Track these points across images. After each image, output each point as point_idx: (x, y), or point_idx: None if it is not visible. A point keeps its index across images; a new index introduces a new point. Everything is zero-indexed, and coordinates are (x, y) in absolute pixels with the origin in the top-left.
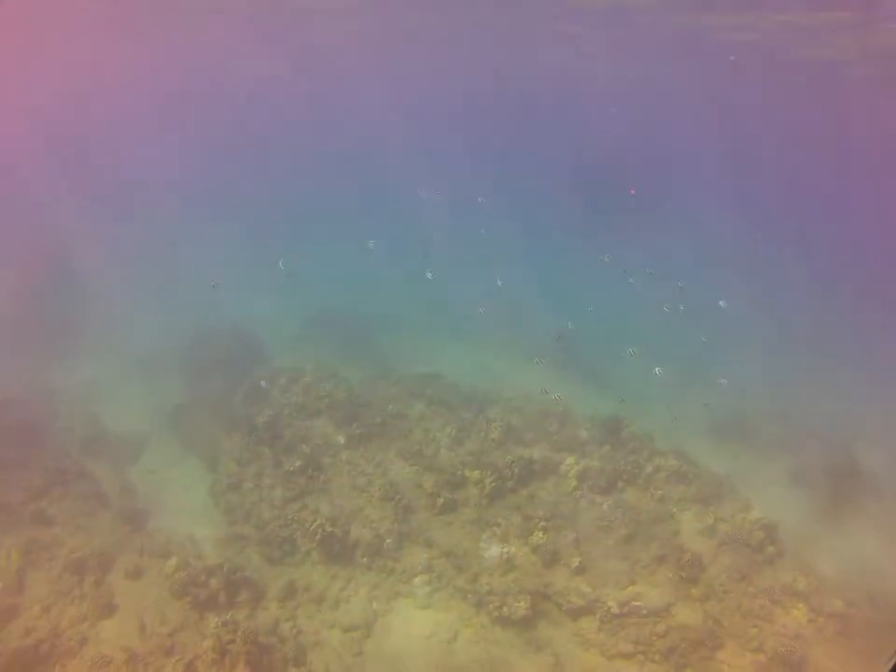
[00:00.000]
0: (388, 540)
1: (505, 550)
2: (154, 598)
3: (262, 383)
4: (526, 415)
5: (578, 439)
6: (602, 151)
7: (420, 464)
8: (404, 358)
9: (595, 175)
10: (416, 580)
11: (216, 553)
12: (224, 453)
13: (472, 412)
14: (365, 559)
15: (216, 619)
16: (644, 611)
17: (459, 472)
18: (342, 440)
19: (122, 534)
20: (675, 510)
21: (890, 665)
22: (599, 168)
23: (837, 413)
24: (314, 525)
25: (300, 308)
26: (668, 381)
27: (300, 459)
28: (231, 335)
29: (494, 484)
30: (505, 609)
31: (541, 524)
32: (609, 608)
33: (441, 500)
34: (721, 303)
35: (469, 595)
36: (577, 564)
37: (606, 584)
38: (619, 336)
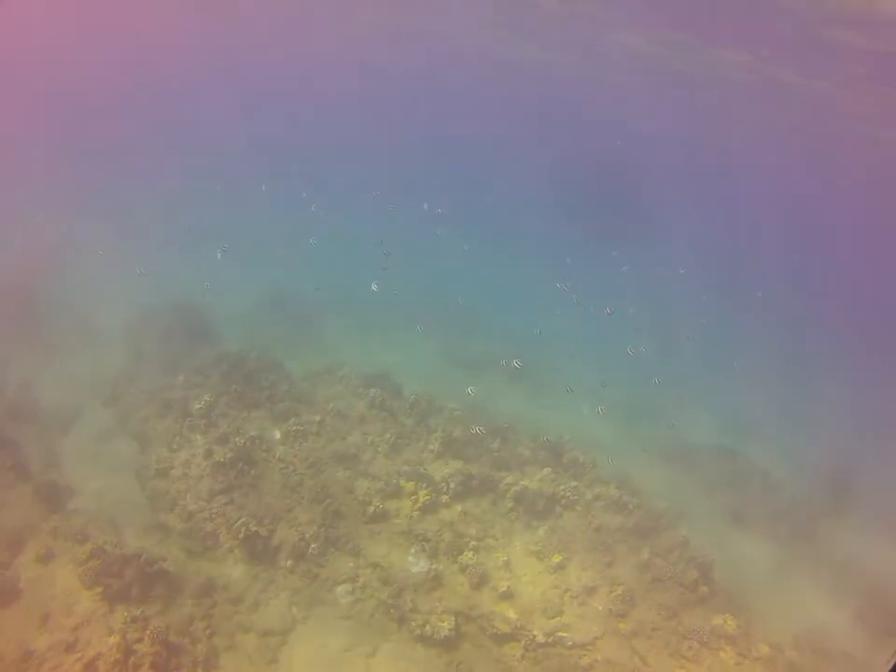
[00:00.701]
0: (314, 545)
1: (433, 567)
2: (63, 586)
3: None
4: (469, 428)
5: (519, 458)
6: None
7: (355, 469)
8: (353, 351)
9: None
10: (339, 588)
11: (135, 541)
12: (156, 436)
13: (414, 418)
14: (289, 562)
15: (125, 613)
16: (570, 643)
17: (394, 481)
18: (277, 435)
19: (39, 512)
20: (611, 541)
21: (890, 666)
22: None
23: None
24: (238, 522)
25: (254, 286)
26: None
27: (231, 451)
28: (180, 313)
29: (428, 498)
30: (428, 627)
31: (472, 543)
32: (535, 636)
33: (373, 509)
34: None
35: (393, 610)
36: (505, 588)
37: (533, 612)
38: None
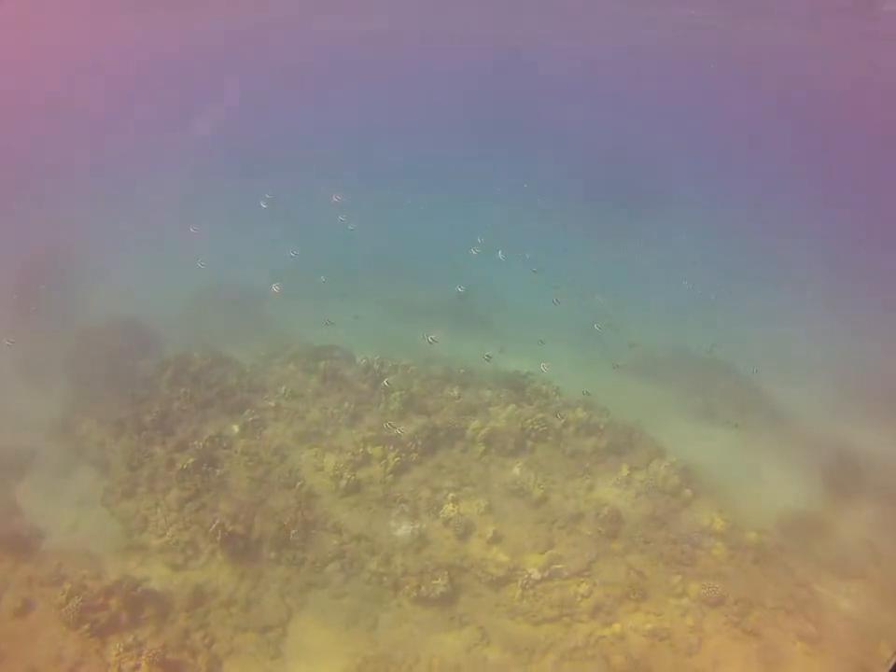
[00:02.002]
0: (294, 531)
1: (416, 527)
2: (47, 635)
3: None
4: (426, 381)
5: (482, 400)
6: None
7: (320, 445)
8: (299, 329)
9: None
10: (328, 568)
11: (115, 568)
12: (115, 458)
13: (370, 383)
14: (272, 553)
15: (118, 644)
16: (566, 573)
17: (361, 450)
18: (236, 429)
19: (8, 565)
20: (588, 464)
21: (891, 666)
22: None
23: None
24: (214, 525)
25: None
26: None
27: (192, 456)
28: (115, 329)
29: (398, 459)
30: (423, 588)
31: (451, 495)
32: (530, 574)
33: (345, 482)
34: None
35: (385, 578)
36: (492, 533)
37: (524, 551)
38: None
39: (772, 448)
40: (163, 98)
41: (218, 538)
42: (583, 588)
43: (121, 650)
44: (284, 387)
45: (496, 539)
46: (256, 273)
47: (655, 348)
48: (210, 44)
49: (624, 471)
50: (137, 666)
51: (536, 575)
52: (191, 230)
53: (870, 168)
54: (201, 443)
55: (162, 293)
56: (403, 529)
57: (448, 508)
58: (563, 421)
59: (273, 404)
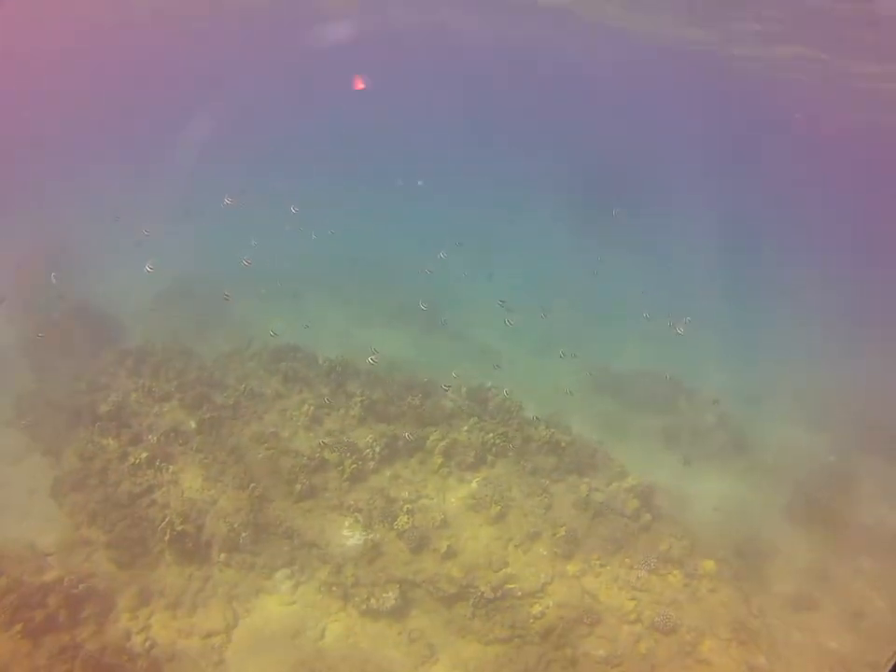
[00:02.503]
0: (244, 534)
1: (369, 537)
2: None
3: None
4: (389, 387)
5: (443, 411)
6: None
7: (277, 447)
8: (265, 326)
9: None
10: (278, 574)
11: (59, 563)
12: (68, 447)
13: (331, 386)
14: (222, 556)
15: (54, 645)
16: (519, 593)
17: (318, 455)
18: (193, 425)
19: None
20: (547, 482)
21: (891, 666)
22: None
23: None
24: (163, 523)
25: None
26: None
27: (146, 450)
28: (79, 315)
29: (355, 466)
30: (373, 600)
31: (406, 506)
32: (483, 592)
33: (300, 486)
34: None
35: (335, 588)
36: (446, 548)
37: (478, 567)
38: None
39: (734, 475)
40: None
41: (167, 536)
42: (536, 609)
43: (56, 651)
44: (244, 385)
45: (450, 555)
46: (227, 270)
47: (622, 369)
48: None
49: (584, 492)
50: (70, 670)
51: (489, 593)
52: (226, 200)
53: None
54: (155, 438)
55: (136, 285)
56: (356, 539)
57: (403, 519)
58: (525, 436)
59: (231, 402)
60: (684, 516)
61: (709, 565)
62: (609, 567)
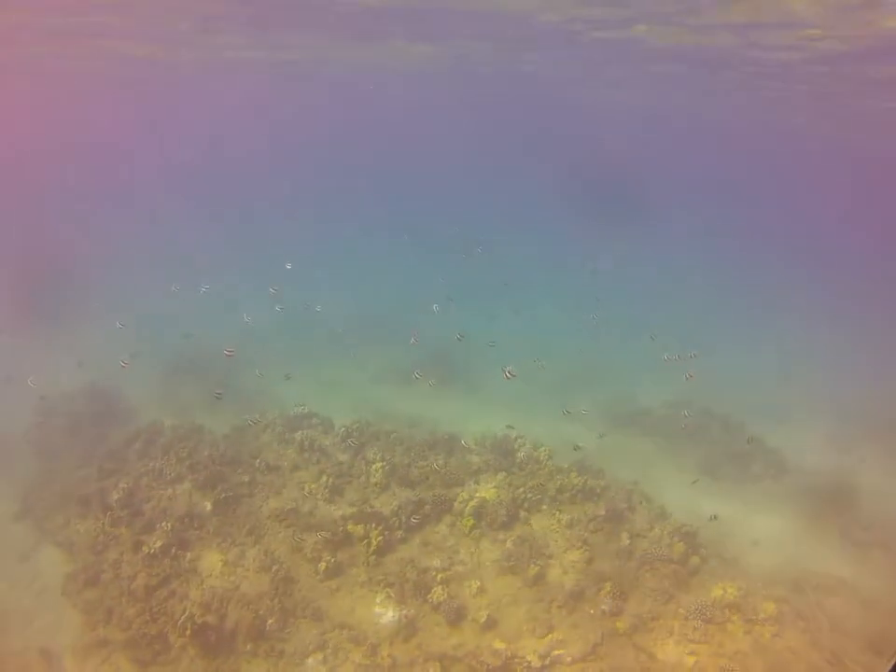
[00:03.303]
0: (271, 620)
1: (404, 612)
2: None
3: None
4: (410, 448)
5: (469, 467)
6: None
7: (297, 524)
8: (275, 397)
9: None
10: (310, 660)
11: (75, 668)
12: (79, 539)
13: (350, 453)
14: (248, 646)
15: None
16: (569, 659)
17: (341, 528)
18: (208, 506)
19: None
20: (586, 534)
21: (891, 665)
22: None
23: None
24: (184, 616)
25: (163, 355)
26: None
27: (160, 538)
28: (84, 398)
29: (381, 538)
30: None
31: (439, 576)
32: (530, 662)
33: (324, 564)
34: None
35: (372, 670)
36: (486, 617)
37: (521, 636)
38: None
39: (777, 503)
40: None
41: (189, 629)
42: None
43: None
44: (259, 459)
45: (490, 624)
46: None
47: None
48: None
49: (625, 540)
50: None
51: (536, 663)
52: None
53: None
54: (169, 524)
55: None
56: (390, 615)
57: (437, 591)
58: (557, 486)
59: (246, 479)
60: (730, 551)
61: (769, 607)
62: (661, 621)
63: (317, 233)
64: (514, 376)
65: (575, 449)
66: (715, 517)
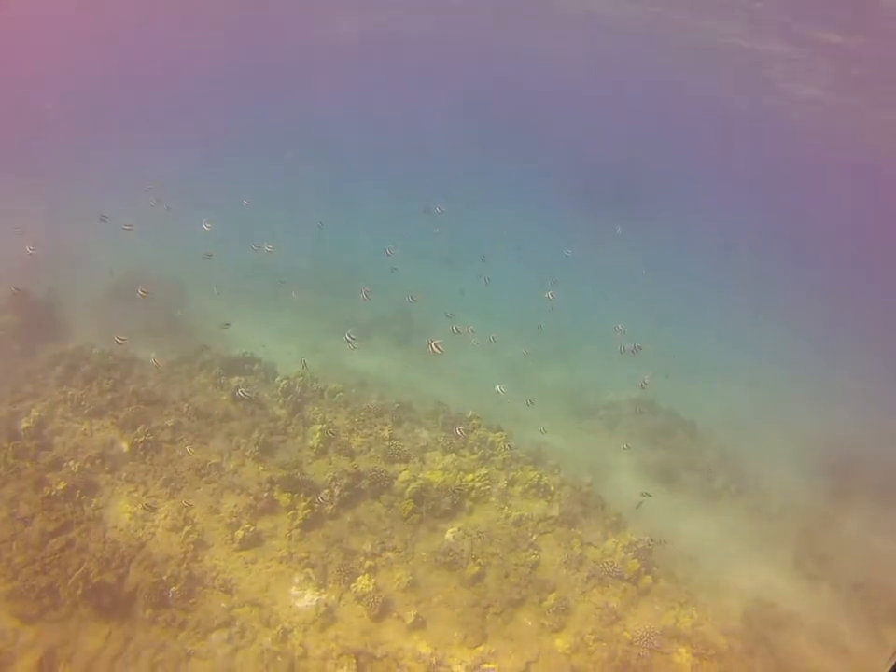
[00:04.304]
0: (174, 588)
1: (323, 598)
2: None
3: None
4: (355, 412)
5: (417, 443)
6: None
7: (219, 481)
8: (218, 332)
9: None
10: (213, 636)
11: None
12: None
13: (288, 408)
14: (148, 612)
15: None
16: None
17: (266, 494)
18: (125, 448)
19: None
20: (534, 535)
21: (891, 665)
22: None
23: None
24: (80, 570)
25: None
26: None
27: (65, 479)
28: (23, 308)
29: (309, 511)
30: None
31: (368, 563)
32: None
33: (243, 532)
34: None
35: (280, 658)
36: (414, 616)
37: (451, 642)
38: None
39: (737, 518)
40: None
41: (84, 585)
42: None
43: None
44: (189, 402)
45: (417, 625)
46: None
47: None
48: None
49: (576, 549)
50: None
51: None
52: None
53: None
54: (77, 464)
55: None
56: (307, 599)
57: (363, 580)
58: (509, 478)
59: (170, 423)
60: (689, 575)
61: (721, 641)
62: (604, 644)
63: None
64: (441, 352)
65: (542, 432)
66: (647, 495)
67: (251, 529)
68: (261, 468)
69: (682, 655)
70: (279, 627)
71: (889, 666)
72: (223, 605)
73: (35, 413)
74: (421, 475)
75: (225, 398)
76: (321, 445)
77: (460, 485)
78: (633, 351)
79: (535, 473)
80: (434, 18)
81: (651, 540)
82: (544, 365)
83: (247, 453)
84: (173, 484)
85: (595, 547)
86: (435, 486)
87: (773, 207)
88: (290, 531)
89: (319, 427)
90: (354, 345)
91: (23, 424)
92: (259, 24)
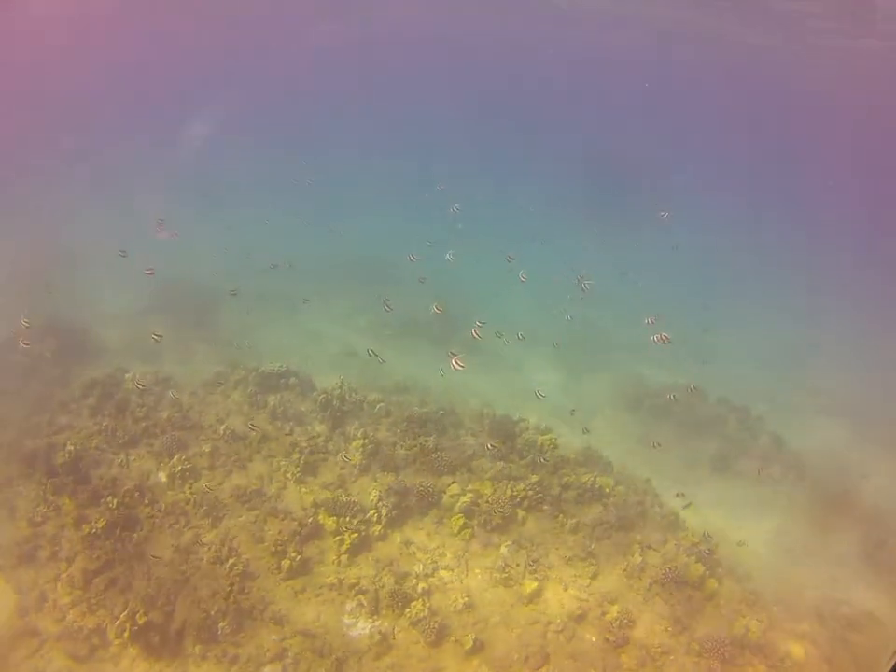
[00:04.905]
0: (223, 624)
1: (377, 625)
2: None
3: None
4: (397, 424)
5: (463, 452)
6: None
7: (261, 507)
8: (257, 346)
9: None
10: (266, 669)
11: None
12: (23, 504)
13: (329, 423)
14: (197, 648)
15: None
16: None
17: (311, 519)
18: (163, 478)
19: None
20: (591, 542)
21: (891, 665)
22: None
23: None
24: (125, 612)
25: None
26: None
27: (104, 516)
28: (56, 332)
29: (356, 535)
30: None
31: (421, 585)
32: None
33: (289, 562)
34: None
35: None
36: (472, 641)
37: (512, 664)
38: None
39: (801, 508)
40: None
41: (125, 631)
42: None
43: None
44: (224, 425)
45: (477, 648)
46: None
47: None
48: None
49: (636, 556)
50: None
51: None
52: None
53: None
54: (115, 499)
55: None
56: (360, 627)
57: (417, 605)
58: (562, 483)
59: (207, 449)
60: (757, 575)
61: (797, 650)
62: (672, 656)
63: None
64: (463, 367)
65: (585, 432)
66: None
67: (297, 558)
68: (304, 489)
69: (757, 668)
70: (333, 657)
71: (889, 666)
72: (274, 637)
73: (70, 447)
74: (470, 487)
75: (262, 417)
76: (364, 461)
77: (511, 495)
78: (662, 341)
79: (588, 476)
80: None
81: (711, 541)
82: (579, 358)
83: (288, 474)
84: (216, 512)
85: (656, 550)
86: (485, 497)
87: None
88: (338, 556)
89: (362, 441)
90: (459, 365)
91: (59, 459)
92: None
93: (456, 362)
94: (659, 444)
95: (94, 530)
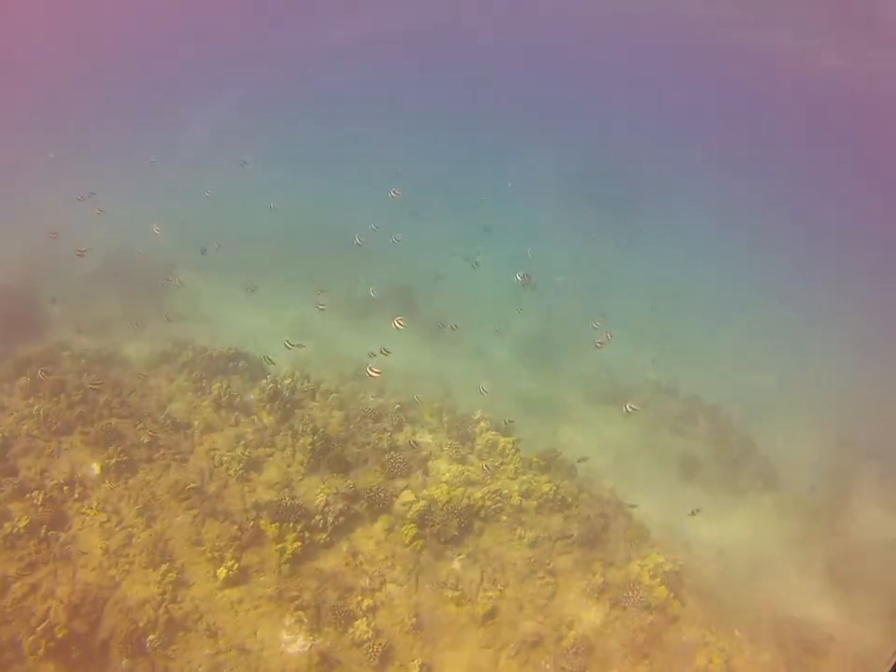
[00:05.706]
0: (152, 637)
1: (317, 643)
2: None
3: None
4: (352, 417)
5: (419, 452)
6: None
7: (200, 507)
8: (209, 319)
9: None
10: None
11: None
12: None
13: (276, 415)
14: (124, 662)
15: None
16: None
17: (252, 523)
18: (96, 470)
19: None
20: (550, 559)
21: (891, 666)
22: None
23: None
24: (44, 624)
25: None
26: None
27: (27, 514)
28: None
29: (299, 544)
30: None
31: (367, 602)
32: None
33: (226, 571)
34: None
35: None
36: (419, 665)
37: None
38: None
39: (770, 524)
40: None
41: (48, 640)
42: None
43: None
44: (166, 412)
45: None
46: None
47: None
48: None
49: (597, 576)
50: None
51: None
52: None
53: None
54: (41, 495)
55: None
56: (299, 644)
57: (361, 624)
58: (522, 490)
59: (146, 440)
60: (720, 597)
61: None
62: None
63: None
64: (403, 327)
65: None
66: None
67: (235, 565)
68: (247, 488)
69: None
70: None
71: (889, 667)
72: (207, 651)
73: None
74: (424, 492)
75: (206, 404)
76: (312, 459)
77: (468, 504)
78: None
79: (551, 486)
80: None
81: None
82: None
83: (231, 471)
84: (150, 511)
85: (619, 569)
86: (440, 504)
87: None
88: (279, 566)
89: (311, 437)
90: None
91: None
92: None
93: (398, 322)
94: None
95: (15, 529)
